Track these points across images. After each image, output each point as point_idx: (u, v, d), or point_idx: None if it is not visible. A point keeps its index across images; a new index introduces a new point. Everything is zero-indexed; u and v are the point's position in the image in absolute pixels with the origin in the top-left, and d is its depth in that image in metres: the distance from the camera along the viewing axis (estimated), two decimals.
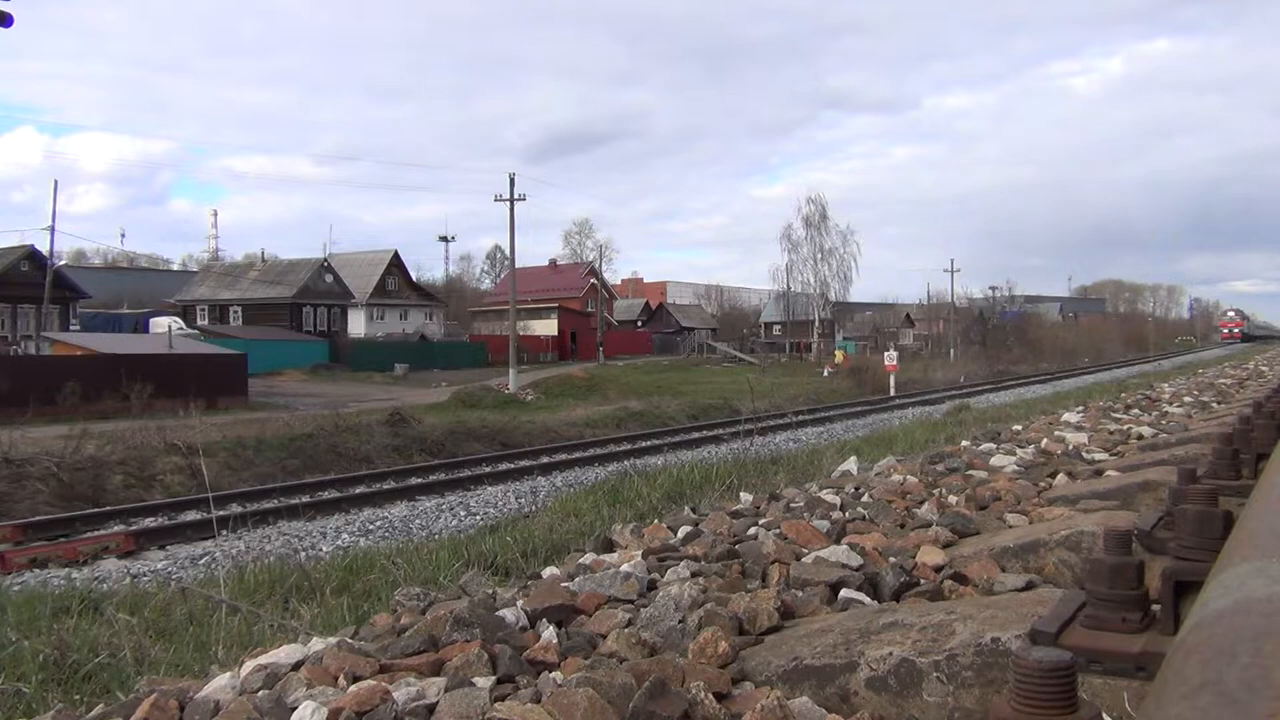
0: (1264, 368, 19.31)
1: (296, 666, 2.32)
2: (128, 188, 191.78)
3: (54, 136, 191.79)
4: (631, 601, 2.67)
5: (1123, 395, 12.84)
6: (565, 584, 2.93)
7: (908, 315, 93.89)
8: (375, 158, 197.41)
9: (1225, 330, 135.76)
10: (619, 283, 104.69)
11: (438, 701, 1.94)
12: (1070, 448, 5.96)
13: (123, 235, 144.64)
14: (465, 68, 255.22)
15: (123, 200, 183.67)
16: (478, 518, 13.89)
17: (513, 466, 19.04)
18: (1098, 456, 5.58)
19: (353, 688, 2.05)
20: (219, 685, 2.31)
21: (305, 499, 15.32)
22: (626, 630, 2.33)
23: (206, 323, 63.17)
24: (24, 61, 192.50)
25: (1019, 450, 6.00)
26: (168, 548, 12.29)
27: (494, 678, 2.09)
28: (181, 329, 51.06)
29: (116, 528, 13.19)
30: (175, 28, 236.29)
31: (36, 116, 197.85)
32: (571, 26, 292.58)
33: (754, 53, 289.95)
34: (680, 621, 2.39)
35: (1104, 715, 1.49)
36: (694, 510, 5.19)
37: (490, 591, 3.08)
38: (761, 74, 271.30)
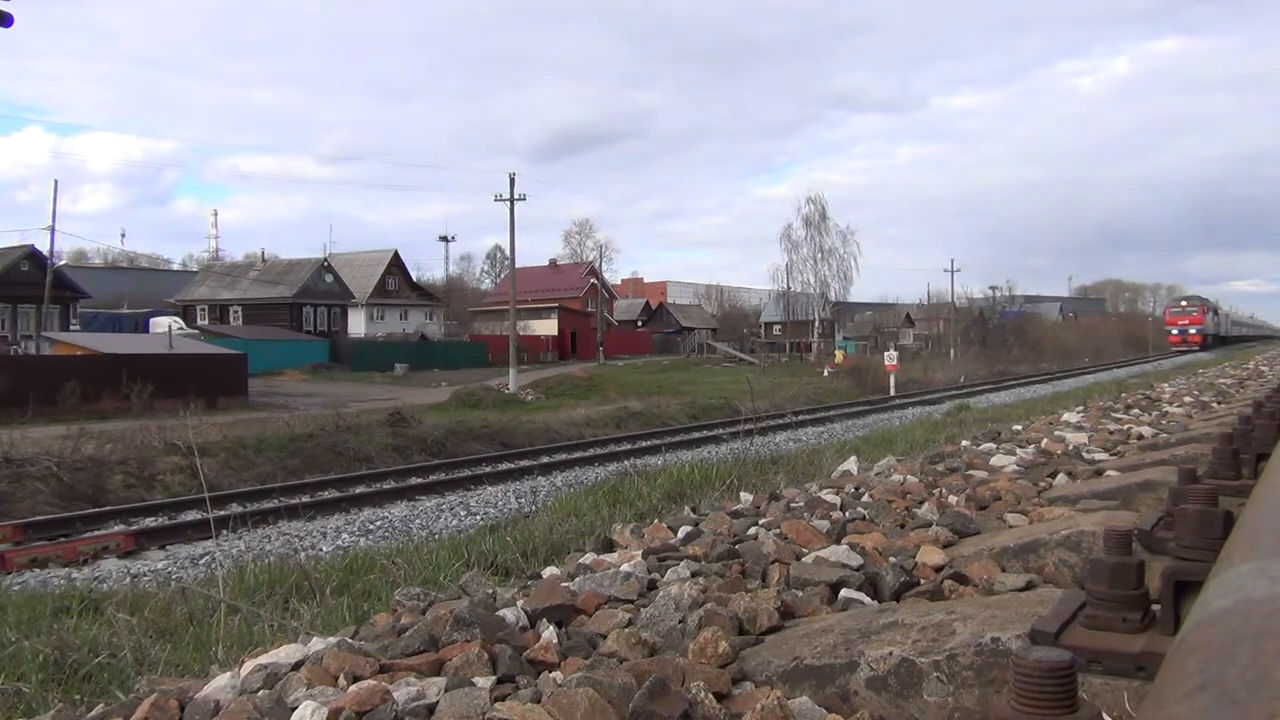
0: (1264, 368, 19.29)
1: (296, 666, 2.32)
2: (133, 188, 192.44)
3: (61, 136, 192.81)
4: (631, 601, 2.67)
5: (1123, 395, 12.84)
6: (565, 584, 2.93)
7: (908, 315, 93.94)
8: (380, 158, 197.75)
9: (1174, 330, 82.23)
10: (619, 283, 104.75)
11: (438, 701, 1.94)
12: (1070, 448, 5.95)
13: (123, 235, 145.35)
14: (472, 67, 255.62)
15: (128, 200, 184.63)
16: (478, 518, 13.88)
17: (513, 466, 19.04)
18: (1098, 456, 5.57)
19: (353, 688, 2.05)
20: (219, 685, 2.31)
21: (305, 499, 15.31)
22: (627, 630, 2.33)
23: (206, 323, 63.19)
24: (31, 61, 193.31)
25: (1019, 450, 5.99)
26: (168, 547, 12.28)
27: (494, 678, 2.09)
28: (182, 329, 51.09)
29: (116, 528, 13.18)
30: (183, 28, 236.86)
31: (43, 116, 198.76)
32: (579, 26, 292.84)
33: (761, 53, 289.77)
34: (680, 621, 2.39)
35: (1104, 715, 1.49)
36: (694, 510, 5.18)
37: (490, 591, 3.08)
38: (768, 74, 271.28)
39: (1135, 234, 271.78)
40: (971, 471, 5.11)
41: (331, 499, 15.38)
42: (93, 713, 2.36)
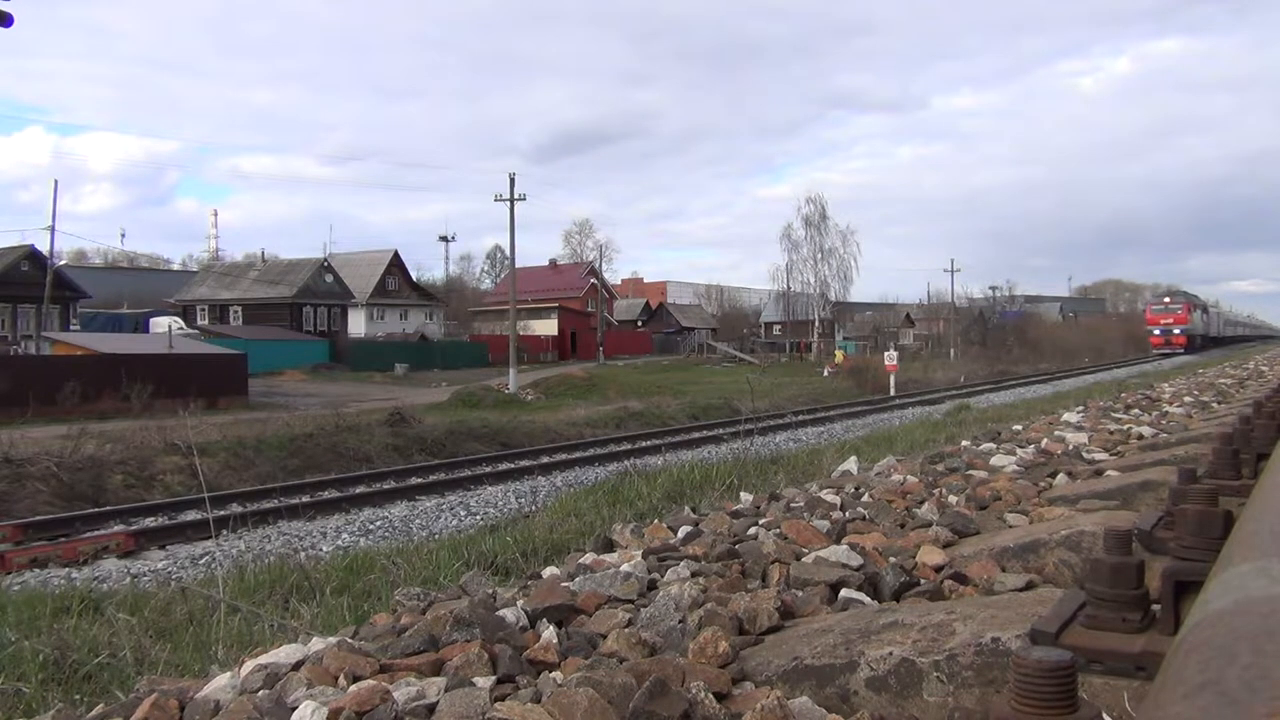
0: (1264, 368, 19.29)
1: (296, 666, 2.32)
2: (134, 187, 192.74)
3: (61, 136, 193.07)
4: (632, 601, 2.67)
5: (1123, 395, 12.83)
6: (565, 584, 2.93)
7: (908, 315, 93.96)
8: (380, 158, 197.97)
9: (1156, 330, 71.57)
10: (619, 283, 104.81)
11: (438, 701, 1.94)
12: (1070, 447, 5.95)
13: (123, 235, 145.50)
14: (473, 67, 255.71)
15: (129, 200, 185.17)
16: (478, 517, 13.88)
17: (513, 466, 19.04)
18: (1098, 456, 5.57)
19: (353, 688, 2.05)
20: (219, 685, 2.31)
21: (305, 499, 15.31)
22: (626, 630, 2.33)
23: (207, 322, 63.21)
24: (32, 61, 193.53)
25: (1019, 450, 5.99)
26: (168, 547, 12.29)
27: (494, 677, 2.09)
28: (182, 329, 51.11)
29: (116, 527, 13.18)
30: (183, 28, 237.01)
31: (44, 116, 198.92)
32: (579, 26, 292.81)
33: (761, 52, 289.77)
34: (680, 621, 2.39)
35: (1104, 715, 1.49)
36: (694, 510, 5.19)
37: (490, 591, 3.08)
38: (768, 74, 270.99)
39: (1135, 234, 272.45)
40: (971, 471, 5.11)
41: (331, 499, 15.38)
42: (93, 713, 2.37)
